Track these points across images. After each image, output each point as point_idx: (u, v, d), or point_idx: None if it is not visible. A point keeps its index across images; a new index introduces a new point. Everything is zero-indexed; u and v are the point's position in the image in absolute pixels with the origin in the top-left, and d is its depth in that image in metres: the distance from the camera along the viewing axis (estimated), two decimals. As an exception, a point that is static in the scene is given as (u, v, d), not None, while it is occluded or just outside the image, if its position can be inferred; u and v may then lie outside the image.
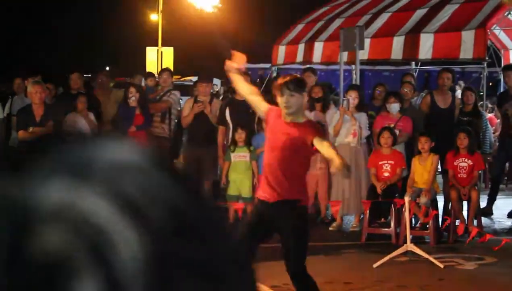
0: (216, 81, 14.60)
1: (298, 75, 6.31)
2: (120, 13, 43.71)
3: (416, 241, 8.96)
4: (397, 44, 13.49)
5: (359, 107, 10.23)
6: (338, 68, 13.05)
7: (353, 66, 12.92)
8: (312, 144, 5.63)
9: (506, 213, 11.20)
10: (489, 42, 13.16)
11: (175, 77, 17.84)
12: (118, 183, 0.55)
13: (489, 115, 14.13)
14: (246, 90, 6.19)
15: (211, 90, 11.44)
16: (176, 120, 11.85)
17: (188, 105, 10.89)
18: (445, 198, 10.29)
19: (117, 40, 44.96)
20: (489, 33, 12.62)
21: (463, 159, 9.88)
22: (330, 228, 10.22)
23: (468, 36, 12.27)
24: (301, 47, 15.54)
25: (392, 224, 9.46)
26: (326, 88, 11.36)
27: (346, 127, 10.08)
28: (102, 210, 0.53)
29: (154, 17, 34.04)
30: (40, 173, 0.55)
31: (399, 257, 8.36)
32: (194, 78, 15.60)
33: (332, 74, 18.41)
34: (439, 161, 10.01)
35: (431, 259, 8.18)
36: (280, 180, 5.75)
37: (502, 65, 14.09)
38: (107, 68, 24.32)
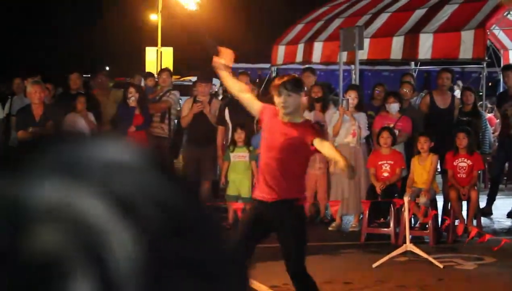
0: (216, 81, 14.58)
1: (296, 75, 6.25)
2: (120, 13, 43.71)
3: (416, 241, 8.96)
4: (397, 44, 13.50)
5: (359, 107, 10.23)
6: (337, 68, 13.06)
7: (353, 66, 12.93)
8: (312, 145, 5.61)
9: (506, 213, 11.20)
10: (488, 42, 13.16)
11: (174, 77, 17.84)
12: (114, 183, 0.55)
13: (489, 115, 14.13)
14: (236, 87, 6.08)
15: (211, 90, 11.43)
16: (176, 121, 11.86)
17: (187, 105, 10.89)
18: (444, 198, 10.29)
19: (117, 40, 44.97)
20: (488, 33, 12.63)
21: (463, 159, 9.88)
22: (330, 228, 10.22)
23: (467, 36, 12.28)
24: (300, 47, 15.54)
25: (392, 224, 9.46)
26: (326, 88, 11.36)
27: (346, 127, 10.08)
28: (97, 209, 0.53)
29: (154, 17, 34.04)
30: (36, 172, 0.55)
31: (399, 257, 8.36)
32: (194, 78, 15.60)
33: (331, 74, 18.42)
34: (439, 161, 10.01)
35: (430, 259, 8.18)
36: (279, 180, 5.72)
37: (502, 65, 14.09)
38: (107, 68, 24.31)
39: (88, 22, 46.09)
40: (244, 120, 10.07)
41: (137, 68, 19.77)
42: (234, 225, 9.01)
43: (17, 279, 0.51)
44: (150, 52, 26.25)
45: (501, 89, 13.94)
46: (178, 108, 11.92)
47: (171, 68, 16.88)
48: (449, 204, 9.99)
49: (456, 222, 9.66)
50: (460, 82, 17.42)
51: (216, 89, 17.28)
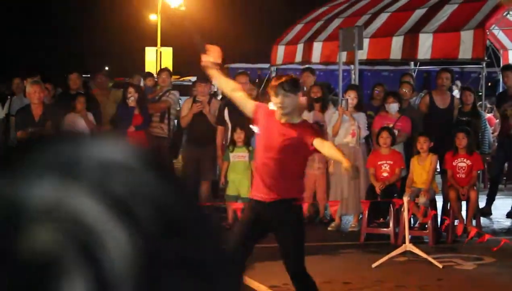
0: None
1: (293, 75, 6.21)
2: (120, 13, 43.71)
3: (415, 241, 8.96)
4: (396, 44, 13.50)
5: (358, 107, 10.23)
6: (337, 68, 13.06)
7: (352, 66, 12.93)
8: (312, 145, 5.59)
9: (505, 213, 11.20)
10: (488, 42, 13.17)
11: (174, 77, 17.84)
12: (109, 183, 0.55)
13: (488, 115, 14.13)
14: (228, 87, 6.01)
15: (210, 90, 11.43)
16: (176, 121, 11.85)
17: (187, 105, 10.89)
18: (444, 198, 10.29)
19: (117, 40, 44.97)
20: (488, 33, 12.63)
21: (462, 159, 9.89)
22: (329, 228, 10.22)
23: (467, 36, 12.28)
24: (300, 47, 15.54)
25: (391, 224, 9.45)
26: (325, 88, 11.35)
27: (345, 127, 10.08)
28: (92, 209, 0.53)
29: (154, 17, 34.04)
30: (34, 172, 0.55)
31: (398, 257, 8.36)
32: (193, 78, 15.60)
33: (331, 74, 18.44)
34: (438, 161, 10.01)
35: (430, 259, 8.18)
36: (277, 180, 5.69)
37: (501, 65, 14.09)
38: (106, 68, 24.31)
39: (88, 22, 46.09)
40: (244, 120, 10.05)
41: (137, 68, 19.78)
42: (234, 225, 9.00)
43: (15, 279, 0.51)
44: (150, 52, 26.26)
45: (501, 89, 13.95)
46: (178, 108, 11.92)
47: (170, 68, 16.87)
48: (449, 204, 9.98)
49: (456, 222, 9.67)
50: (458, 82, 17.41)
51: (216, 89, 17.27)
